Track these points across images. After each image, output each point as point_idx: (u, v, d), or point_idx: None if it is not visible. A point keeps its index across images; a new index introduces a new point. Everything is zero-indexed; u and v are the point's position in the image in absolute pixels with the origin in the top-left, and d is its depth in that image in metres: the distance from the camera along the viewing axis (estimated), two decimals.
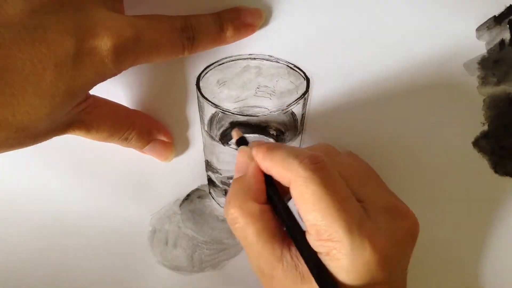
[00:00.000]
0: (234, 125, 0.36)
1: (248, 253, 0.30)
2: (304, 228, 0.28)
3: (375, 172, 0.33)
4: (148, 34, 0.28)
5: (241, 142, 0.33)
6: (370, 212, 0.28)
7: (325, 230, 0.26)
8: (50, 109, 0.26)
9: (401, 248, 0.29)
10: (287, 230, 0.29)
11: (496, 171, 0.37)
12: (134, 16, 0.28)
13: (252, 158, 0.31)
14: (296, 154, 0.28)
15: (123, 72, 0.29)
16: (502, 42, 0.33)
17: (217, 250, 0.40)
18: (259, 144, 0.31)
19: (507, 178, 0.37)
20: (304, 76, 0.34)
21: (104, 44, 0.26)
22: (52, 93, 0.26)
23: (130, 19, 0.28)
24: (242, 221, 0.29)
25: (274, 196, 0.30)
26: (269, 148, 0.30)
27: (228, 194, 0.31)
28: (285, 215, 0.29)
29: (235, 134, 0.34)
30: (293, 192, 0.28)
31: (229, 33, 0.32)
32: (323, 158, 0.28)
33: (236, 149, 0.35)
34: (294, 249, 0.29)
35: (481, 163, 0.37)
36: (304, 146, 0.37)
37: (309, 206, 0.27)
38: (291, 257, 0.29)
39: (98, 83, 0.28)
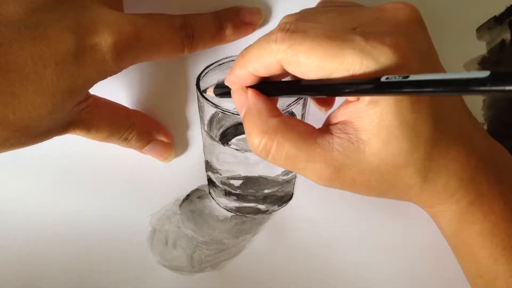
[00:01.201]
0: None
1: (298, 168, 0.28)
2: None
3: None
4: (148, 31, 0.28)
5: (219, 87, 0.32)
6: (367, 28, 0.25)
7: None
8: (51, 108, 0.26)
9: (412, 36, 0.26)
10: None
11: None
12: (134, 14, 0.28)
13: (244, 89, 0.29)
14: (265, 38, 0.26)
15: (123, 72, 0.29)
16: (502, 42, 0.33)
17: (217, 250, 0.40)
18: (232, 70, 0.29)
19: None
20: None
21: (104, 41, 0.26)
22: (53, 91, 0.26)
23: (130, 16, 0.28)
24: (273, 144, 0.27)
25: (275, 85, 0.28)
26: (240, 56, 0.28)
27: (245, 128, 0.29)
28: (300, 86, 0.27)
29: (210, 89, 0.32)
30: (288, 67, 0.26)
31: (228, 31, 0.32)
32: (288, 20, 0.26)
33: (236, 149, 0.35)
34: (329, 129, 0.27)
35: None
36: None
37: (311, 61, 0.24)
38: (334, 134, 0.26)
39: (98, 80, 0.28)
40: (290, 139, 0.27)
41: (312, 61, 0.24)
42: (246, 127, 0.28)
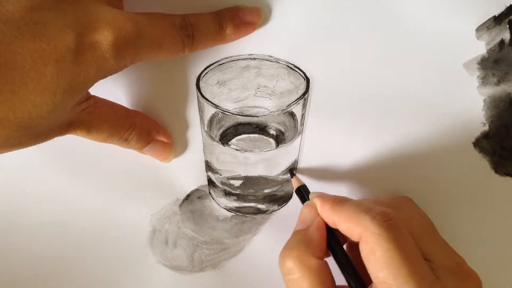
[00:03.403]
0: (292, 171, 0.37)
1: None
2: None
3: (433, 224, 0.34)
4: (149, 30, 0.28)
5: (302, 190, 0.35)
6: (437, 273, 0.28)
7: None
8: (51, 106, 0.26)
9: None
10: (349, 284, 0.30)
11: (496, 172, 0.37)
12: (134, 13, 0.28)
13: (317, 214, 0.32)
14: (367, 209, 0.29)
15: (123, 72, 0.29)
16: (501, 42, 0.33)
17: (217, 250, 0.40)
18: (323, 197, 0.32)
19: (508, 179, 0.37)
20: (304, 76, 0.34)
21: (104, 38, 0.26)
22: (53, 89, 0.26)
23: (130, 14, 0.28)
24: (298, 274, 0.29)
25: (338, 249, 0.31)
26: (336, 201, 0.31)
27: (287, 243, 0.31)
28: (349, 269, 0.30)
29: (295, 182, 0.35)
30: (364, 247, 0.28)
31: (228, 31, 0.32)
32: (394, 215, 0.29)
33: (236, 149, 0.35)
34: None
35: (482, 164, 0.37)
36: (304, 146, 0.37)
37: (380, 264, 0.27)
38: None
39: (99, 79, 0.28)
40: (312, 284, 0.29)
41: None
42: (291, 239, 0.31)
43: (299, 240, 0.31)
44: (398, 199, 0.36)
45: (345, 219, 0.30)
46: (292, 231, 0.32)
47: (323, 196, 0.32)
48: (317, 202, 0.32)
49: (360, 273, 0.30)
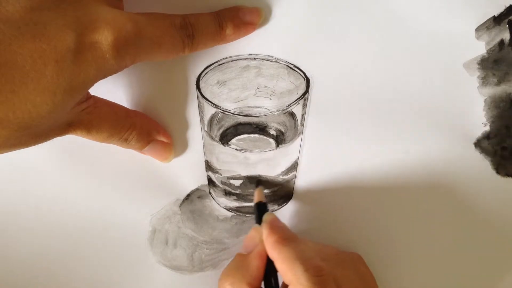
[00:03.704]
0: (259, 182, 0.37)
1: None
2: None
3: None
4: (149, 30, 0.28)
5: (261, 206, 0.35)
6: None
7: None
8: (51, 106, 0.26)
9: None
10: None
11: (498, 172, 0.37)
12: (134, 13, 0.28)
13: (261, 241, 0.33)
14: (304, 259, 0.30)
15: (123, 72, 0.30)
16: (501, 42, 0.33)
17: (217, 250, 0.40)
18: (272, 227, 0.32)
19: (509, 179, 0.37)
20: (304, 76, 0.34)
21: (104, 38, 0.26)
22: (53, 89, 0.26)
23: (130, 14, 0.28)
24: None
25: (271, 283, 0.32)
26: (281, 238, 0.31)
27: (227, 266, 0.32)
28: None
29: (257, 195, 0.36)
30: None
31: (228, 31, 0.32)
32: (326, 271, 0.30)
33: (236, 149, 0.35)
34: None
35: (483, 164, 0.37)
36: (304, 146, 0.37)
37: None
38: None
39: (99, 79, 0.28)
40: None
41: None
42: (233, 261, 0.33)
43: (237, 266, 0.32)
44: (345, 254, 0.36)
45: (282, 261, 0.30)
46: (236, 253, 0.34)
47: (272, 226, 0.33)
48: (264, 231, 0.32)
49: None
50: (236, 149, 0.35)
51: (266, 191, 0.38)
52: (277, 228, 0.33)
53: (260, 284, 0.32)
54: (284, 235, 0.32)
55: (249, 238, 0.34)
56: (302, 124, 0.36)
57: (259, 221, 0.34)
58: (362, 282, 0.34)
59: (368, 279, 0.35)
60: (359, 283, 0.33)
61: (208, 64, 0.34)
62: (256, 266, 0.32)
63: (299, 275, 0.29)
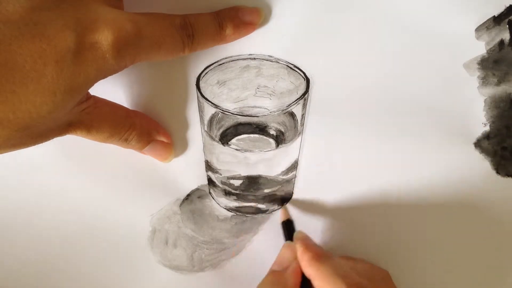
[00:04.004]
0: (284, 200, 0.38)
1: None
2: None
3: None
4: (149, 30, 0.28)
5: (288, 224, 0.36)
6: None
7: None
8: (51, 107, 0.26)
9: None
10: None
11: (498, 172, 0.37)
12: (134, 13, 0.28)
13: (295, 257, 0.33)
14: (344, 276, 0.30)
15: (123, 72, 0.30)
16: (501, 42, 0.33)
17: (217, 250, 0.40)
18: (306, 244, 0.33)
19: (509, 179, 0.37)
20: (304, 76, 0.34)
21: (105, 38, 0.26)
22: (53, 89, 0.26)
23: (130, 15, 0.28)
24: None
25: None
26: (317, 255, 0.32)
27: (262, 283, 0.32)
28: None
29: (282, 214, 0.36)
30: None
31: (228, 31, 0.32)
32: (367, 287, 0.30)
33: (236, 149, 0.35)
34: None
35: (483, 164, 0.37)
36: (304, 146, 0.37)
37: None
38: None
39: (99, 79, 0.28)
40: None
41: None
42: (267, 278, 0.33)
43: (273, 282, 0.32)
44: (377, 271, 0.36)
45: (321, 277, 0.30)
46: (269, 269, 0.34)
47: (306, 243, 0.33)
48: (299, 249, 0.33)
49: None
50: (236, 149, 0.35)
51: (266, 190, 0.38)
52: (311, 246, 0.33)
53: None
54: (320, 252, 0.32)
55: (282, 255, 0.34)
56: (302, 124, 0.36)
57: (288, 238, 0.35)
58: None
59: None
60: None
61: (208, 64, 0.34)
62: (293, 283, 0.32)
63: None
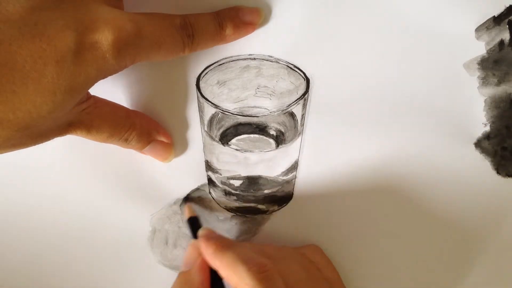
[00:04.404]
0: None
1: None
2: None
3: (324, 281, 0.35)
4: (149, 29, 0.28)
5: (193, 221, 0.36)
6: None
7: None
8: (51, 107, 0.26)
9: None
10: None
11: (498, 172, 0.37)
12: (134, 13, 0.28)
13: (200, 254, 0.33)
14: (245, 260, 0.30)
15: (123, 72, 0.30)
16: (501, 42, 0.33)
17: None
18: (208, 239, 0.33)
19: (510, 179, 0.37)
20: (304, 77, 0.34)
21: (105, 38, 0.26)
22: (53, 89, 0.26)
23: (130, 14, 0.28)
24: None
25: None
26: (219, 247, 0.32)
27: (172, 287, 0.32)
28: None
29: (186, 211, 0.36)
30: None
31: (228, 31, 0.32)
32: (270, 267, 0.30)
33: (236, 149, 0.35)
34: None
35: (483, 165, 0.37)
36: (304, 147, 0.37)
37: None
38: None
39: (99, 79, 0.28)
40: None
41: None
42: (174, 284, 0.33)
43: (181, 283, 0.32)
44: (288, 249, 0.36)
45: (224, 267, 0.31)
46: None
47: (208, 238, 0.33)
48: (201, 244, 0.33)
49: None
50: (236, 149, 0.35)
51: (266, 191, 0.38)
52: (214, 239, 0.33)
53: None
54: (222, 243, 0.32)
55: (188, 255, 0.34)
56: (302, 124, 0.36)
57: (194, 236, 0.35)
58: (309, 273, 0.34)
59: (319, 268, 0.35)
60: (305, 274, 0.33)
61: (208, 64, 0.34)
62: (200, 280, 0.32)
63: (244, 275, 0.29)
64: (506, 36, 0.33)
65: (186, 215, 0.37)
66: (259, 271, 0.29)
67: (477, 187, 0.37)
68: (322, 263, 0.36)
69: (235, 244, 0.33)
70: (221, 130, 0.36)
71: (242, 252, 0.31)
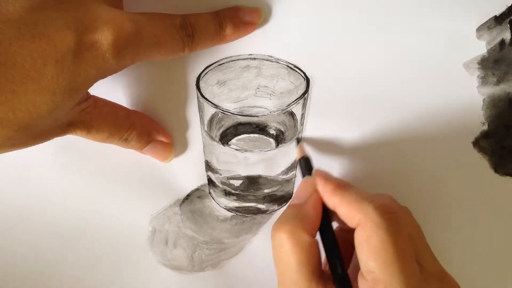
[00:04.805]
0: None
1: (282, 275, 0.30)
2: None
3: (424, 235, 0.34)
4: (149, 29, 0.28)
5: (305, 161, 0.34)
6: (425, 276, 0.28)
7: (383, 282, 0.26)
8: (51, 106, 0.26)
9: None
10: (332, 269, 0.29)
11: (496, 171, 0.37)
12: (134, 13, 0.28)
13: (315, 189, 0.31)
14: (371, 198, 0.29)
15: (123, 72, 0.29)
16: (502, 42, 0.33)
17: (217, 250, 0.40)
18: (326, 177, 0.31)
19: (508, 178, 0.37)
20: (304, 76, 0.34)
21: (104, 38, 0.26)
22: (53, 89, 0.26)
23: (130, 14, 0.28)
24: (288, 247, 0.29)
25: (329, 232, 0.31)
26: (341, 185, 0.31)
27: (281, 215, 0.31)
28: (336, 254, 0.30)
29: (299, 151, 0.35)
30: (359, 234, 0.28)
31: (228, 31, 0.32)
32: (396, 210, 0.29)
33: (236, 149, 0.35)
34: None
35: (481, 163, 0.37)
36: (304, 147, 0.37)
37: (373, 253, 0.27)
38: None
39: (99, 79, 0.28)
40: (300, 260, 0.29)
41: None
42: (286, 212, 0.31)
43: (294, 214, 0.30)
44: (398, 204, 0.35)
45: (346, 203, 0.29)
46: (287, 204, 0.32)
47: (326, 176, 0.32)
48: (319, 181, 0.31)
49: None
50: (236, 149, 0.35)
51: (266, 190, 0.38)
52: (332, 177, 0.32)
53: (315, 233, 0.30)
54: (342, 183, 0.31)
55: (302, 189, 0.32)
56: (302, 124, 0.36)
57: (307, 174, 0.33)
58: (419, 228, 0.33)
59: (420, 227, 0.34)
60: (418, 228, 0.33)
61: (208, 64, 0.34)
62: (313, 214, 0.31)
63: (370, 213, 0.28)
64: (507, 35, 0.33)
65: (299, 155, 0.35)
66: (386, 211, 0.28)
67: (475, 186, 0.37)
68: (418, 225, 0.34)
69: (354, 186, 0.31)
70: (221, 130, 0.36)
71: (365, 192, 0.30)
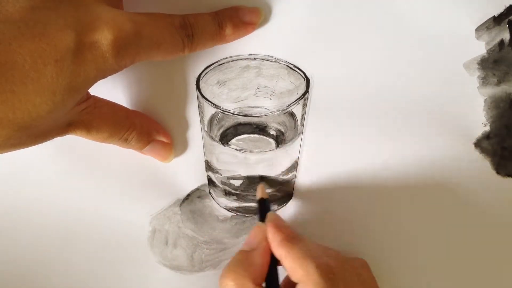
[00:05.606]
0: (261, 179, 0.37)
1: None
2: None
3: None
4: (148, 29, 0.28)
5: (263, 203, 0.35)
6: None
7: None
8: (51, 106, 0.26)
9: None
10: None
11: (498, 172, 0.37)
12: (134, 13, 0.28)
13: (265, 238, 0.32)
14: (315, 257, 0.30)
15: (123, 72, 0.30)
16: (501, 42, 0.33)
17: (217, 250, 0.40)
18: (278, 226, 0.32)
19: (509, 179, 0.37)
20: (304, 76, 0.34)
21: (104, 38, 0.26)
22: (53, 89, 0.26)
23: (130, 14, 0.28)
24: None
25: (274, 281, 0.32)
26: (289, 237, 0.32)
27: (230, 262, 0.32)
28: None
29: (259, 191, 0.36)
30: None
31: (228, 31, 0.32)
32: (337, 271, 0.30)
33: (236, 149, 0.35)
34: None
35: (483, 164, 0.37)
36: (304, 146, 0.37)
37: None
38: None
39: (99, 79, 0.28)
40: None
41: None
42: (235, 257, 0.32)
43: (241, 262, 0.32)
44: (349, 259, 0.36)
45: (291, 258, 0.30)
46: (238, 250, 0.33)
47: (278, 225, 0.33)
48: (270, 230, 0.32)
49: None
50: (236, 149, 0.35)
51: (267, 190, 0.38)
52: (283, 227, 0.33)
53: (263, 281, 0.31)
54: (291, 234, 0.32)
55: (252, 236, 0.34)
56: (302, 124, 0.36)
57: (262, 218, 0.34)
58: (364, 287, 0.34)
59: (371, 286, 0.35)
60: (367, 284, 0.34)
61: (208, 64, 0.34)
62: (260, 263, 0.32)
63: (311, 272, 0.29)
64: (506, 36, 0.33)
65: (258, 195, 0.36)
66: (327, 272, 0.29)
67: (476, 187, 0.37)
68: (371, 280, 0.36)
69: (303, 238, 0.32)
70: (221, 130, 0.36)
71: (310, 249, 0.31)
